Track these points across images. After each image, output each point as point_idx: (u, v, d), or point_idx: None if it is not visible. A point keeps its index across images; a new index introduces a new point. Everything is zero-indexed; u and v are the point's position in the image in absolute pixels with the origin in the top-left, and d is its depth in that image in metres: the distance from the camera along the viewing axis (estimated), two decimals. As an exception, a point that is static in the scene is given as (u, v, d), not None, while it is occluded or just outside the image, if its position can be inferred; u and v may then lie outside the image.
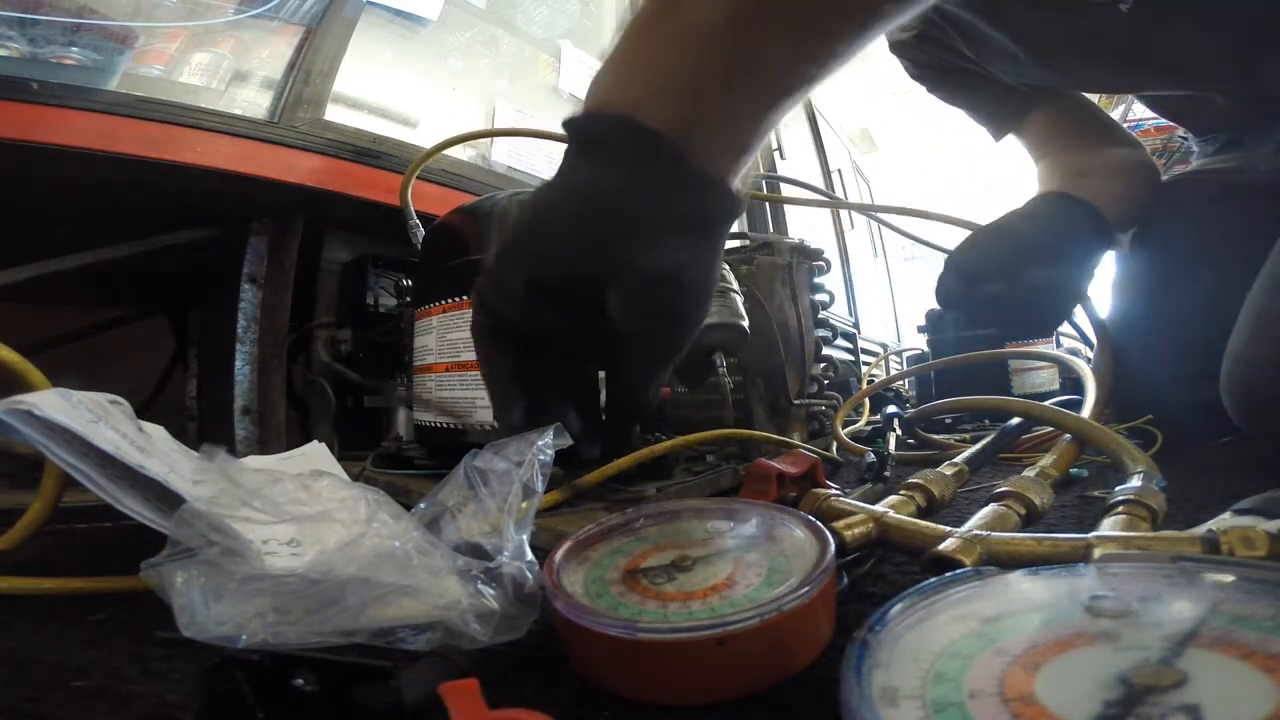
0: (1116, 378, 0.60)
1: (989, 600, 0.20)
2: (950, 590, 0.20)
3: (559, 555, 0.27)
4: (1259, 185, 0.63)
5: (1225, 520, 0.27)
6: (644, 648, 0.21)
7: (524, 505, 0.28)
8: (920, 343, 1.82)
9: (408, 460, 0.57)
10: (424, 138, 0.93)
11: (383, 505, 0.28)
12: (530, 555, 0.27)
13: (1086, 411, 0.57)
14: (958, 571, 0.21)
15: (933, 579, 0.20)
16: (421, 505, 0.30)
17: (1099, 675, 0.15)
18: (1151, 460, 0.37)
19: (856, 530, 0.31)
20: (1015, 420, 0.55)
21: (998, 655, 0.17)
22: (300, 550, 0.26)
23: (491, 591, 0.25)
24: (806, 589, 0.22)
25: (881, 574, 0.34)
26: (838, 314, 1.13)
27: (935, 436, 0.84)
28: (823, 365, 0.77)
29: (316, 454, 0.48)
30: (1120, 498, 0.32)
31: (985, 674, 0.16)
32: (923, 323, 1.59)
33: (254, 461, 0.48)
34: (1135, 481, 0.34)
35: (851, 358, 1.39)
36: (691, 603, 0.24)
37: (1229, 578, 0.19)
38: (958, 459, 0.45)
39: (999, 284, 0.49)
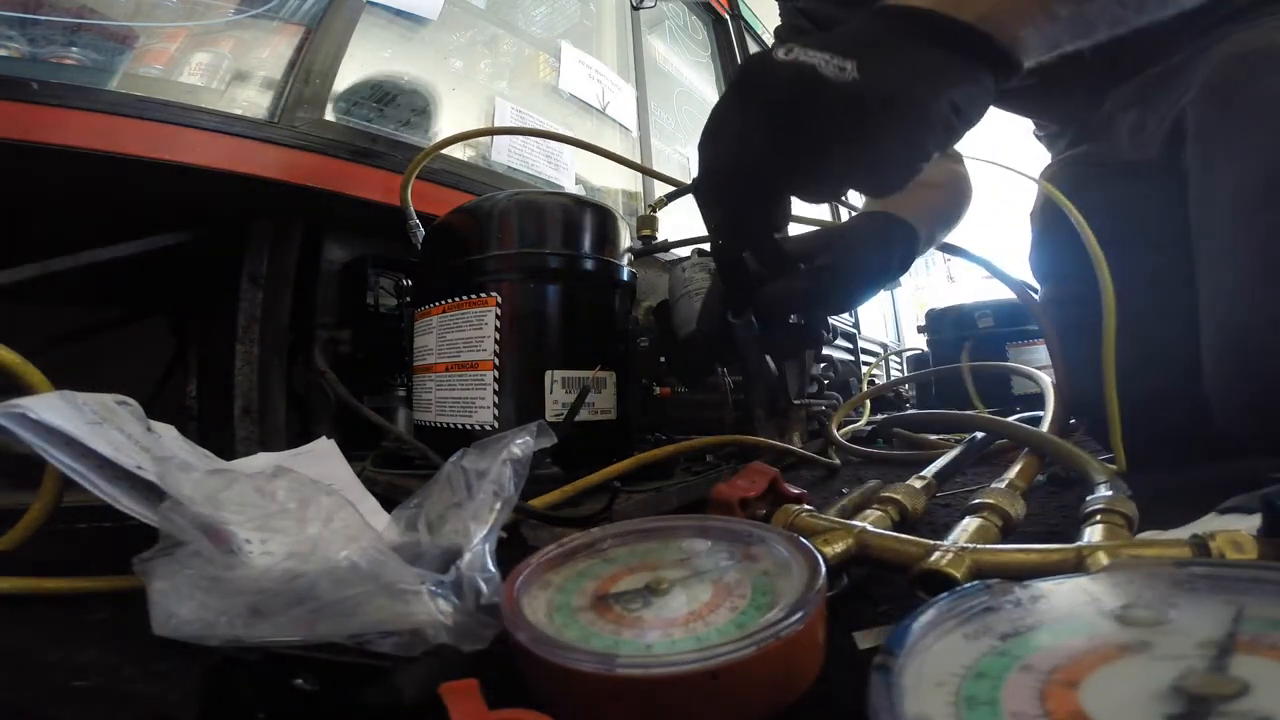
0: (1068, 376, 0.60)
1: (1002, 615, 0.19)
2: (961, 606, 0.19)
3: (519, 580, 0.25)
4: (1130, 165, 0.63)
5: (1210, 521, 0.27)
6: (625, 684, 0.19)
7: (489, 510, 0.28)
8: (920, 343, 1.82)
9: (407, 460, 0.57)
10: (424, 138, 0.93)
11: (341, 508, 0.27)
12: (491, 567, 0.26)
13: (1046, 424, 0.58)
14: (966, 586, 0.20)
15: (944, 594, 0.20)
16: (413, 503, 0.30)
17: (1148, 687, 0.15)
18: (1109, 468, 0.38)
19: (837, 546, 0.31)
20: (980, 434, 0.56)
21: (1026, 673, 0.16)
22: (273, 550, 0.26)
23: (445, 604, 0.24)
24: (801, 613, 0.20)
25: (881, 576, 0.34)
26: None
27: (931, 437, 0.85)
28: (823, 365, 0.77)
29: (324, 451, 0.48)
30: (1094, 507, 0.32)
31: (1021, 694, 0.15)
32: (922, 323, 1.59)
33: (259, 459, 0.48)
34: (1104, 490, 0.34)
35: (851, 358, 1.40)
36: (673, 631, 0.22)
37: (1244, 581, 0.18)
38: (925, 472, 0.45)
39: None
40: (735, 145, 0.36)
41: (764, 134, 0.34)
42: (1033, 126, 0.80)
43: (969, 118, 0.34)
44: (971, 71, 0.33)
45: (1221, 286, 0.49)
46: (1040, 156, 0.80)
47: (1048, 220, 0.70)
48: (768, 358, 0.49)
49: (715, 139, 0.37)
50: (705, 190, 0.38)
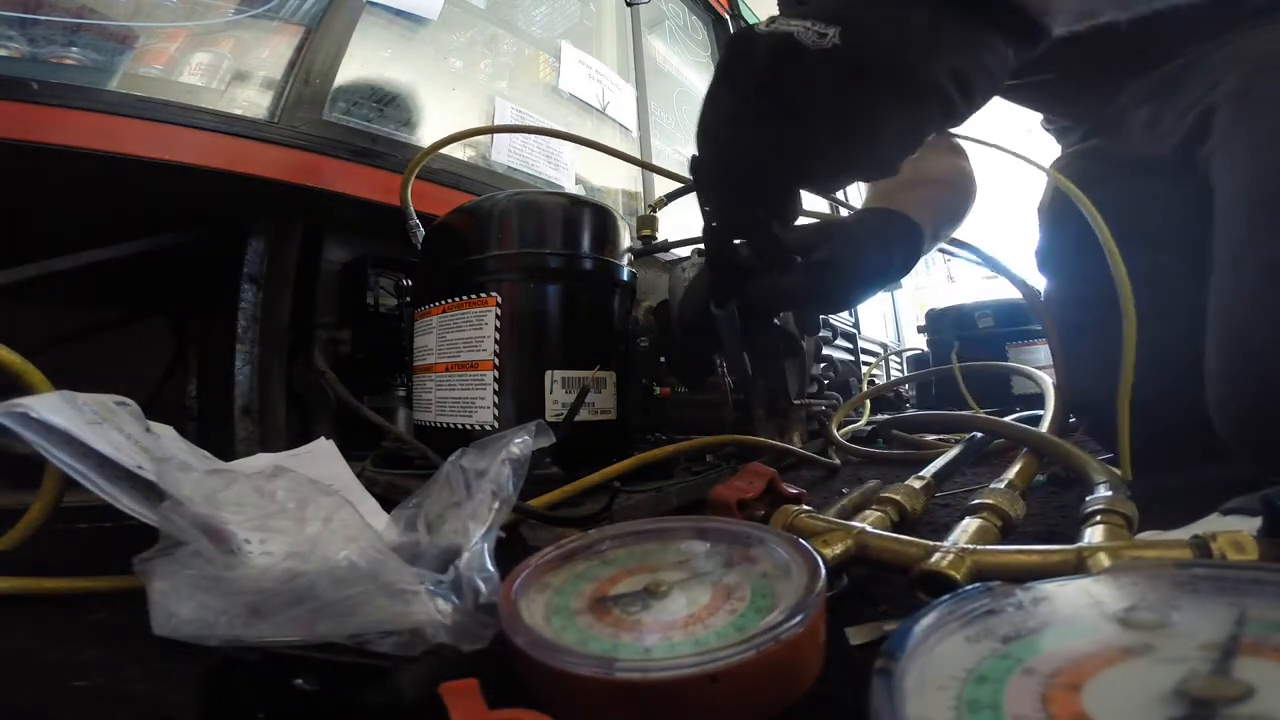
0: (1070, 373, 0.59)
1: (1003, 617, 0.19)
2: (963, 609, 0.19)
3: (516, 583, 0.25)
4: (1140, 162, 0.62)
5: (1212, 522, 0.27)
6: (624, 689, 0.19)
7: (488, 509, 0.28)
8: (920, 343, 1.82)
9: (407, 460, 0.57)
10: (424, 138, 0.93)
11: (340, 508, 0.27)
12: (489, 566, 0.26)
13: (1046, 424, 0.58)
14: (967, 589, 0.20)
15: (945, 596, 0.19)
16: (412, 503, 0.30)
17: (1151, 690, 0.15)
18: (1110, 469, 0.38)
19: (836, 548, 0.31)
20: (979, 434, 0.56)
21: (1028, 676, 0.16)
22: (273, 550, 0.26)
23: (444, 604, 0.24)
24: (801, 616, 0.20)
25: (881, 575, 0.34)
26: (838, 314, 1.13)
27: (930, 437, 0.85)
28: (823, 365, 0.77)
29: (324, 451, 0.48)
30: (1094, 507, 0.32)
31: (1024, 697, 0.15)
32: (922, 323, 1.59)
33: (259, 460, 0.48)
34: (1104, 491, 0.34)
35: (851, 358, 1.40)
36: (672, 634, 0.22)
37: (1245, 583, 0.18)
38: (924, 472, 0.45)
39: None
40: (725, 131, 0.33)
41: (751, 116, 0.31)
42: (1041, 118, 0.78)
43: (975, 91, 0.30)
44: (978, 36, 0.29)
45: (1235, 286, 0.48)
46: (1043, 151, 0.79)
47: (1055, 215, 0.69)
48: (746, 355, 0.46)
49: (706, 126, 0.34)
50: (702, 181, 0.36)
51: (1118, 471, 0.37)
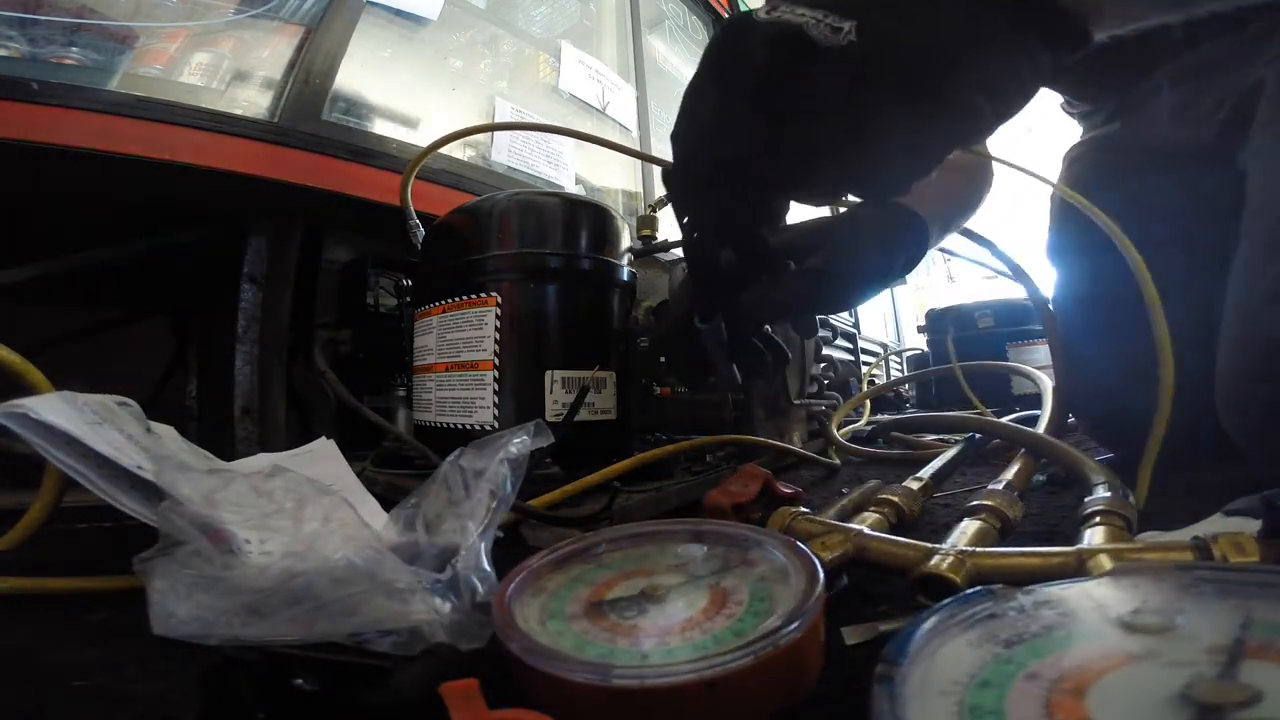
0: (1070, 380, 0.58)
1: (1005, 621, 0.18)
2: (964, 613, 0.19)
3: (511, 587, 0.25)
4: (1162, 149, 0.58)
5: (1215, 523, 0.27)
6: (621, 696, 0.19)
7: (486, 509, 0.28)
8: (920, 343, 1.82)
9: (407, 460, 0.57)
10: (424, 138, 0.93)
11: (338, 507, 0.27)
12: (487, 565, 0.26)
13: (1043, 424, 0.58)
14: (969, 592, 0.20)
15: (947, 600, 0.19)
16: (411, 502, 0.30)
17: (1156, 695, 0.14)
18: (1110, 469, 0.37)
19: (835, 551, 0.31)
20: (977, 434, 0.55)
21: (1032, 681, 0.16)
22: (271, 550, 0.26)
23: (441, 602, 0.24)
24: (799, 621, 0.20)
25: (881, 575, 0.34)
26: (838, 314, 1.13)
27: (927, 438, 0.85)
28: (823, 365, 0.77)
29: (324, 451, 0.48)
30: (1093, 509, 0.32)
31: (1028, 703, 0.15)
32: (922, 323, 1.59)
33: (259, 460, 0.48)
34: (1103, 492, 0.34)
35: (851, 358, 1.40)
36: (670, 639, 0.21)
37: (1250, 585, 0.18)
38: (922, 473, 0.45)
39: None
40: (710, 130, 0.29)
41: (743, 116, 0.28)
42: (1062, 101, 0.73)
43: (1006, 103, 0.27)
44: (1017, 42, 0.25)
45: (1257, 284, 0.46)
46: (1045, 146, 0.76)
47: (1066, 207, 0.66)
48: (735, 368, 0.43)
49: (689, 122, 0.30)
50: (679, 184, 0.33)
51: (1131, 499, 0.37)
